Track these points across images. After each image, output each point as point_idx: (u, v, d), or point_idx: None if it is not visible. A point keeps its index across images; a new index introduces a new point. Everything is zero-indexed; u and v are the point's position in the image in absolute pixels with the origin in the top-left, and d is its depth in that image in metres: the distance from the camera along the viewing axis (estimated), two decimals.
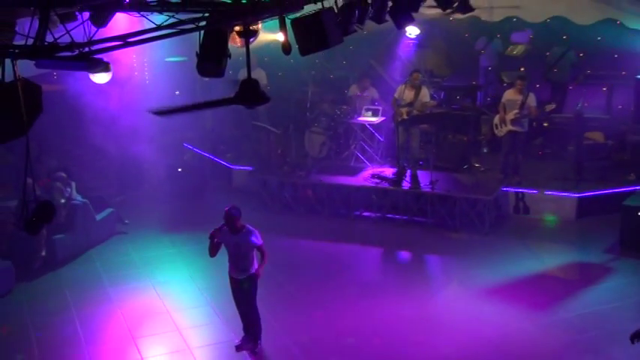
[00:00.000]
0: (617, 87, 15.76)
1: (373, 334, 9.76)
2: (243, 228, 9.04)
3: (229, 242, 9.07)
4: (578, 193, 13.42)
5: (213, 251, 9.16)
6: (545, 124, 15.45)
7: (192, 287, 11.34)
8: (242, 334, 9.52)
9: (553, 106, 14.29)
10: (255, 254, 9.18)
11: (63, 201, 12.34)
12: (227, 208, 8.98)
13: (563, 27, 14.76)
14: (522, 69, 14.98)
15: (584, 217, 13.32)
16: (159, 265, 12.16)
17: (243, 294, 9.28)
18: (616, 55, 15.79)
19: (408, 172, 13.86)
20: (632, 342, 7.61)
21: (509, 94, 13.84)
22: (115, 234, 13.40)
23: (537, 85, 16.07)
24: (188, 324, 10.16)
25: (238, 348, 9.44)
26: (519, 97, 13.61)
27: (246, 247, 9.03)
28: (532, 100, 13.62)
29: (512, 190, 13.74)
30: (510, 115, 13.64)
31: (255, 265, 9.22)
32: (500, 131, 13.92)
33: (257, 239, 9.06)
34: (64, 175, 12.74)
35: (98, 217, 13.10)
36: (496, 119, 14.02)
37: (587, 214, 13.32)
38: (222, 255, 11.80)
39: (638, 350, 7.74)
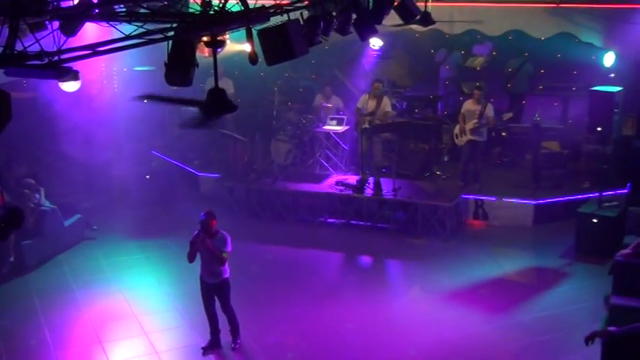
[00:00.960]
0: (573, 98, 16.15)
1: (336, 337, 9.91)
2: (218, 233, 9.22)
3: (203, 247, 9.20)
4: (535, 200, 13.71)
5: (192, 257, 9.26)
6: (504, 134, 15.78)
7: (160, 292, 11.42)
8: (208, 337, 9.63)
9: (510, 115, 14.68)
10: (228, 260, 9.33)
11: (32, 207, 12.36)
12: (203, 214, 9.15)
13: (521, 40, 15.10)
14: (479, 83, 15.26)
15: (541, 223, 13.58)
16: (127, 271, 12.19)
17: (220, 297, 9.45)
18: (571, 68, 16.23)
19: (372, 179, 14.02)
20: (587, 344, 7.81)
21: (468, 105, 14.16)
22: (83, 240, 13.39)
23: (495, 97, 16.37)
24: (155, 328, 10.23)
25: (205, 350, 9.56)
26: (478, 108, 13.93)
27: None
28: (490, 110, 13.94)
29: (472, 197, 14.00)
30: (469, 125, 13.97)
31: (227, 271, 9.38)
32: (460, 140, 14.25)
33: (228, 245, 9.19)
34: (32, 181, 12.77)
35: (66, 222, 13.10)
36: (456, 129, 14.33)
37: (543, 220, 13.59)
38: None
39: (593, 352, 7.98)
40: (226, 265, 9.33)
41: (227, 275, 9.40)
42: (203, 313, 9.69)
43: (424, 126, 15.36)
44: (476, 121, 13.90)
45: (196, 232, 9.21)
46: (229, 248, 9.20)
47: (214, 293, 9.46)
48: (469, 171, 14.33)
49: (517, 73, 16.71)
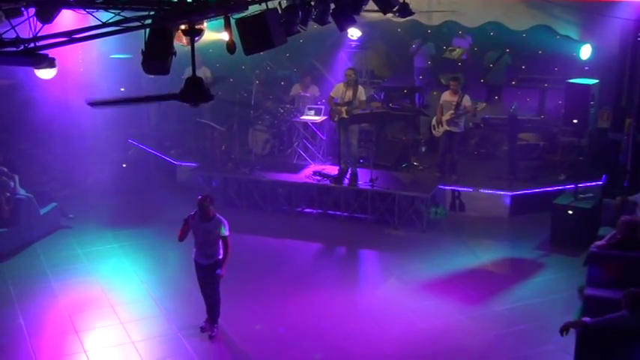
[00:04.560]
0: (549, 90, 16.26)
1: (313, 327, 9.92)
2: (214, 217, 9.35)
3: (199, 229, 9.33)
4: (512, 192, 13.78)
5: (182, 236, 9.40)
6: (482, 125, 15.90)
7: (135, 281, 11.36)
8: (205, 316, 9.74)
9: (484, 105, 14.75)
10: (221, 244, 9.42)
11: (7, 195, 12.25)
12: (201, 196, 9.30)
13: (498, 32, 15.14)
14: (456, 74, 15.30)
15: (517, 214, 13.65)
16: (102, 260, 12.11)
17: (210, 279, 9.53)
18: (548, 60, 16.33)
19: (349, 169, 14.02)
20: (562, 334, 7.94)
21: (446, 96, 14.21)
22: (59, 228, 13.26)
23: (473, 89, 16.43)
24: (130, 317, 10.20)
25: (203, 329, 9.66)
26: (455, 99, 14.01)
27: (214, 235, 9.31)
28: (467, 100, 14.00)
29: (449, 188, 14.06)
30: (446, 116, 14.02)
31: (221, 252, 9.46)
32: (438, 131, 14.29)
33: (226, 230, 9.34)
34: (5, 169, 12.67)
35: (42, 211, 12.98)
36: (433, 120, 14.37)
37: (519, 211, 13.66)
38: (167, 250, 11.95)
39: (568, 342, 8.14)
40: (220, 248, 9.43)
41: (221, 257, 9.49)
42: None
43: (402, 117, 15.41)
44: (452, 111, 13.94)
45: (192, 212, 9.34)
46: (227, 233, 9.34)
47: (208, 273, 9.55)
48: (446, 162, 14.38)
49: (495, 65, 16.79)
